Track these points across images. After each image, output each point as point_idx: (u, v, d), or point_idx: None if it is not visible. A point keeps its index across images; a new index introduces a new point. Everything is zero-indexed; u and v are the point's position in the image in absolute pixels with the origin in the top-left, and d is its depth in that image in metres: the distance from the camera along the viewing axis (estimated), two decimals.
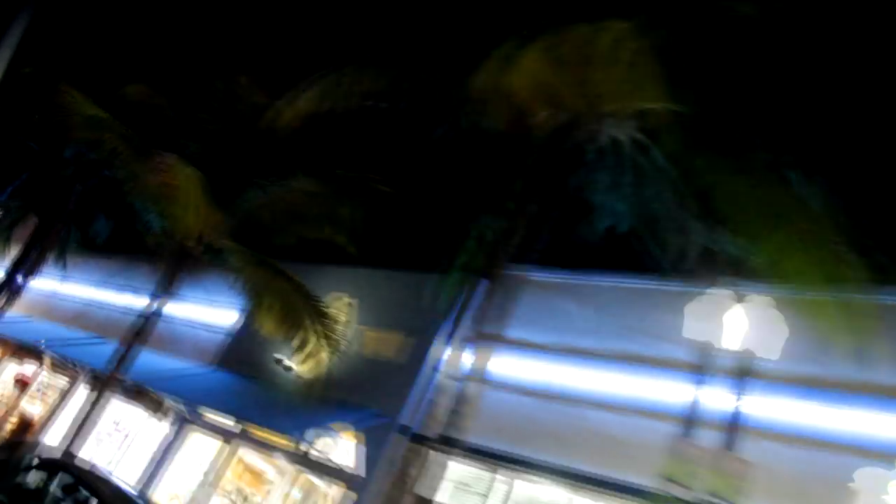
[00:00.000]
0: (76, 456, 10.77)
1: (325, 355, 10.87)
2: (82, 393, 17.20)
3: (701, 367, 6.18)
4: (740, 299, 6.82)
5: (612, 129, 8.09)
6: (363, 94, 8.64)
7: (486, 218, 10.25)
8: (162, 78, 11.68)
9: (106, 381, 10.77)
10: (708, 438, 6.64)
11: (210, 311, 16.05)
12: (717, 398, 7.31)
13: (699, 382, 6.14)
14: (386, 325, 12.53)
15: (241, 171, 10.68)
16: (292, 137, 8.35)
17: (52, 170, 18.05)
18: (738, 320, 6.57)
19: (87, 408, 16.11)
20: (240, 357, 14.59)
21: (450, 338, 11.86)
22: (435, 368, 11.61)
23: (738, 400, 6.05)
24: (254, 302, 11.81)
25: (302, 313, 10.82)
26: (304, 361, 11.23)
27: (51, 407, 17.31)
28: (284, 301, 10.93)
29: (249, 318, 15.15)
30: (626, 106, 6.35)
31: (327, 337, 10.77)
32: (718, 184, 8.01)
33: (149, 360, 16.41)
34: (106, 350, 18.58)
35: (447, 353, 11.96)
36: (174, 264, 11.01)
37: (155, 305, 11.61)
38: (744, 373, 6.08)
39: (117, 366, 10.80)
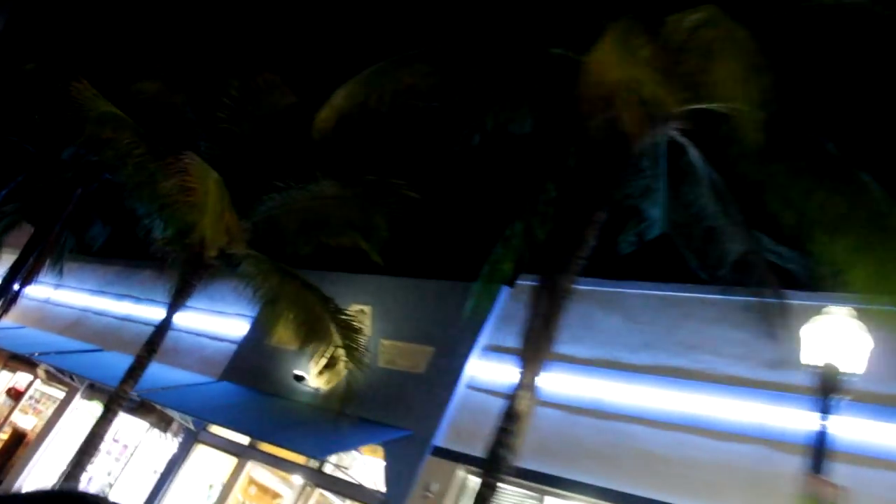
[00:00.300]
0: (78, 479, 10.10)
1: (347, 369, 10.29)
2: (80, 405, 16.56)
3: (821, 390, 5.69)
4: (818, 312, 6.39)
5: (675, 129, 7.67)
6: (401, 91, 8.15)
7: (521, 224, 9.79)
8: (176, 74, 11.10)
9: (114, 398, 10.11)
10: (796, 463, 6.21)
11: (216, 321, 15.44)
12: (802, 420, 6.85)
13: (820, 409, 5.64)
14: (408, 337, 11.97)
15: (261, 174, 10.13)
16: (321, 138, 7.81)
17: (49, 172, 17.44)
18: (855, 338, 6.10)
19: (88, 422, 15.52)
20: (249, 369, 13.96)
21: (481, 350, 11.40)
22: (465, 383, 11.10)
23: (825, 420, 5.58)
24: (271, 313, 11.23)
25: (325, 325, 10.25)
26: (324, 375, 10.65)
27: (46, 420, 16.59)
28: (306, 312, 10.35)
29: (259, 329, 14.60)
30: (728, 101, 5.87)
31: (352, 350, 10.19)
32: (780, 187, 7.58)
33: (152, 371, 15.75)
34: (104, 360, 17.98)
35: (478, 365, 11.55)
36: (189, 273, 10.39)
37: (166, 316, 10.93)
38: (833, 390, 5.61)
39: (128, 380, 10.16)
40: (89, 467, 9.88)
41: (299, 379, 12.53)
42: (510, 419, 6.58)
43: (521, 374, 6.81)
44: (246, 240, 10.39)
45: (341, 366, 10.51)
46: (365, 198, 9.88)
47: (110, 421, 10.05)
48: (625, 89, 5.57)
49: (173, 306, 10.87)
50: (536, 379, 6.77)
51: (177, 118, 10.61)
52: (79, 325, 19.13)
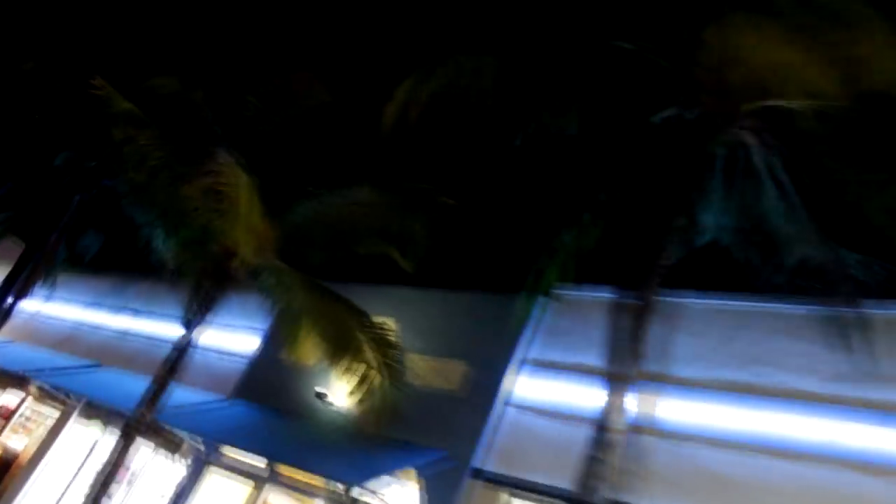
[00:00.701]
0: None
1: (380, 387, 9.53)
2: (76, 425, 15.57)
3: None
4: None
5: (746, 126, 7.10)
6: (451, 89, 7.51)
7: (570, 232, 9.16)
8: (191, 71, 10.30)
9: (133, 424, 9.26)
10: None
11: (224, 335, 14.58)
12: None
13: None
14: (438, 352, 11.25)
15: (291, 178, 9.39)
16: (365, 139, 7.17)
17: (42, 179, 16.49)
18: None
19: (86, 444, 14.57)
20: (263, 387, 13.13)
21: (520, 365, 10.73)
22: (504, 400, 10.40)
23: None
24: (294, 327, 10.46)
25: (356, 340, 9.50)
26: (355, 394, 9.88)
27: (39, 442, 15.58)
28: (335, 326, 9.60)
29: (272, 343, 13.78)
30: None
31: (388, 367, 9.45)
32: (867, 193, 7.05)
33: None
34: (103, 378, 16.99)
35: (518, 382, 10.89)
36: (212, 286, 9.58)
37: (185, 333, 10.11)
38: None
39: (149, 407, 9.30)
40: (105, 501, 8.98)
41: (321, 397, 11.74)
42: (601, 446, 5.92)
43: (609, 395, 6.17)
44: (273, 249, 9.63)
45: (371, 383, 9.77)
46: (403, 205, 9.17)
47: (128, 450, 9.20)
48: (777, 74, 4.97)
49: (193, 322, 10.04)
50: (625, 401, 6.14)
51: (195, 118, 9.81)
52: (73, 340, 18.13)
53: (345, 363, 9.74)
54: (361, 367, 9.67)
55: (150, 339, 16.22)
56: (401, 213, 9.12)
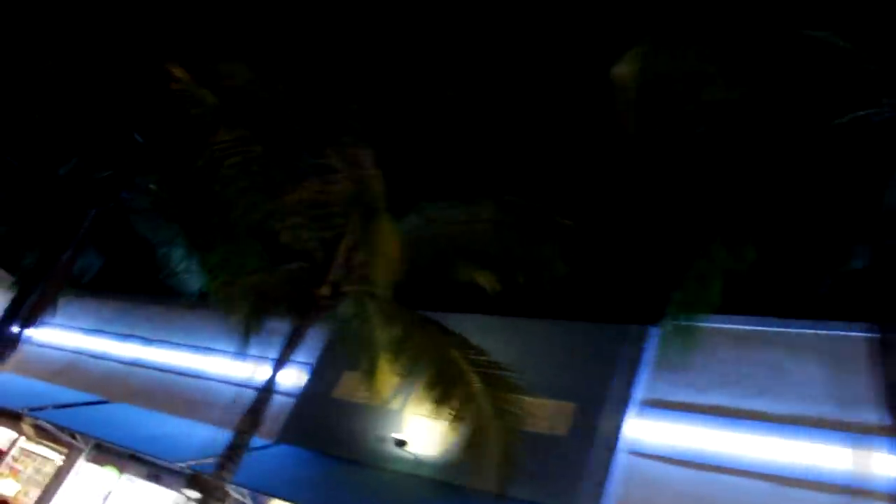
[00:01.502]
0: None
1: (491, 435, 8.09)
2: (85, 469, 13.64)
3: None
4: None
5: None
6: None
7: (721, 250, 7.94)
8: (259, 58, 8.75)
9: (210, 490, 7.63)
10: None
11: (262, 368, 12.93)
12: None
13: None
14: (540, 391, 9.72)
15: (399, 187, 7.92)
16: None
17: (44, 190, 14.65)
18: None
19: (102, 496, 12.70)
20: (315, 430, 11.45)
21: (639, 407, 9.39)
22: (624, 447, 9.06)
23: None
24: (374, 362, 8.99)
25: (466, 380, 8.07)
26: (456, 442, 8.42)
27: (39, 487, 13.59)
28: (440, 363, 8.16)
29: (324, 380, 12.17)
30: None
31: (502, 413, 8.02)
32: None
33: (183, 430, 13.10)
34: (113, 415, 15.05)
35: (637, 425, 9.54)
36: (303, 318, 8.04)
37: (271, 375, 8.52)
38: None
39: (226, 464, 7.67)
40: None
41: (401, 444, 10.20)
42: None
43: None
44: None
45: (479, 430, 8.33)
46: (532, 226, 7.80)
47: None
48: None
49: (281, 360, 8.46)
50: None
51: (275, 113, 8.26)
52: (72, 371, 16.14)
53: (447, 405, 8.31)
54: (467, 411, 8.25)
55: (167, 371, 14.43)
56: (530, 235, 7.75)
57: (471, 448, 8.28)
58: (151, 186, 12.96)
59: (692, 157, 7.98)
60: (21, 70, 13.28)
